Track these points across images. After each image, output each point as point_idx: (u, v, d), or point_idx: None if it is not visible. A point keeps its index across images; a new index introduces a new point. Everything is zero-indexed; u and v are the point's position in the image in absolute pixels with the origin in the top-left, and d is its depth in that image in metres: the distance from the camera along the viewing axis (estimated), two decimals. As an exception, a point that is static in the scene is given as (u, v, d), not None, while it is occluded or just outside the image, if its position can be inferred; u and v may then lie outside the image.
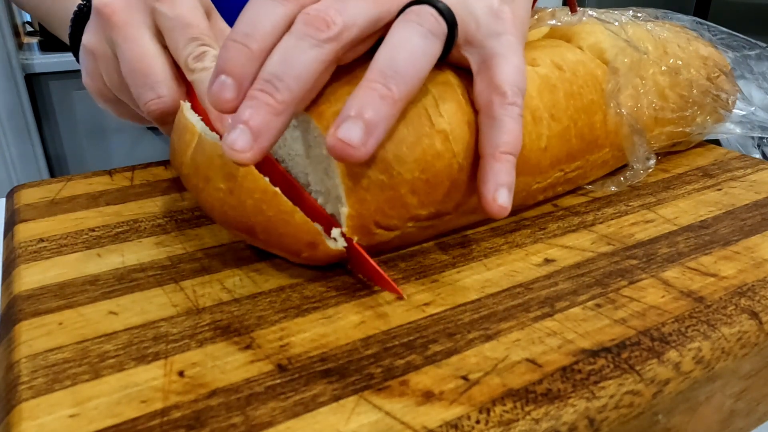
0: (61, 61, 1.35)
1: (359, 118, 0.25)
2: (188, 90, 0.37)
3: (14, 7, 1.46)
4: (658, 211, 0.37)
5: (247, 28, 0.26)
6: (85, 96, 1.42)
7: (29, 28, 1.62)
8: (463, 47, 0.30)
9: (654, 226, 0.35)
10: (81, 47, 0.39)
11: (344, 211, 0.28)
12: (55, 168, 1.46)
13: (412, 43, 0.27)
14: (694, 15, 0.45)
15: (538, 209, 0.37)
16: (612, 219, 0.36)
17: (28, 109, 1.34)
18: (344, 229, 0.29)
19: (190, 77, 0.35)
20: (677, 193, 0.40)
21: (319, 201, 0.31)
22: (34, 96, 1.37)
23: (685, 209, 0.37)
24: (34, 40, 1.51)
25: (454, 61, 0.31)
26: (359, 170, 0.28)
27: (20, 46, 1.41)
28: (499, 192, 0.28)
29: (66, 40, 0.45)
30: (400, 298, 0.28)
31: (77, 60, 0.42)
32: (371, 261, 0.28)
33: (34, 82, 1.36)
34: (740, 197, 0.39)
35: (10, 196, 0.40)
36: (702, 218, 0.36)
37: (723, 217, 0.36)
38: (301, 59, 0.25)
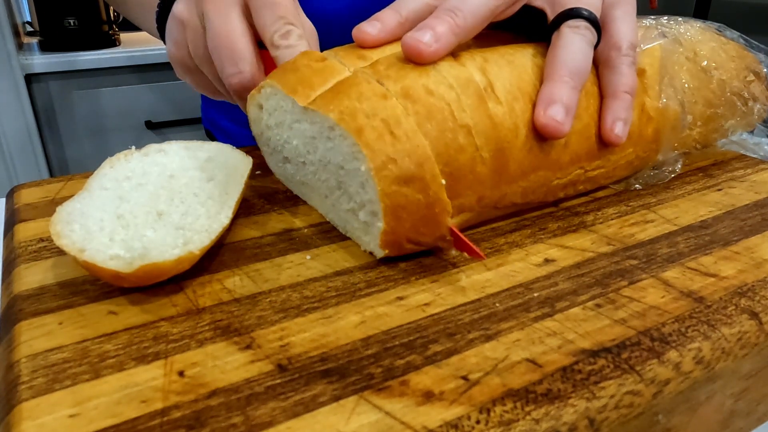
0: (61, 61, 1.35)
1: (560, 102, 0.32)
2: (266, 68, 0.39)
3: (14, 7, 1.46)
4: (658, 211, 0.37)
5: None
6: (85, 96, 1.42)
7: (29, 28, 1.62)
8: None
9: (654, 226, 0.35)
10: (171, 15, 0.42)
11: (379, 226, 0.29)
12: (55, 168, 1.46)
13: (581, 48, 0.34)
14: (694, 15, 0.45)
15: (538, 209, 0.37)
16: (612, 219, 0.36)
17: (28, 109, 1.34)
18: (378, 242, 0.30)
19: (274, 53, 0.36)
20: (677, 193, 0.40)
21: (347, 206, 0.32)
22: (34, 96, 1.37)
23: (685, 209, 0.37)
24: (34, 40, 1.51)
25: None
26: (397, 189, 0.28)
27: (20, 46, 1.41)
28: (617, 123, 0.35)
29: (147, 20, 0.50)
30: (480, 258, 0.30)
31: (161, 35, 0.45)
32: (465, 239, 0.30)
33: (34, 82, 1.36)
34: (740, 197, 0.39)
35: (10, 196, 0.40)
36: (702, 218, 0.36)
37: (723, 217, 0.36)
38: (476, 2, 0.33)
